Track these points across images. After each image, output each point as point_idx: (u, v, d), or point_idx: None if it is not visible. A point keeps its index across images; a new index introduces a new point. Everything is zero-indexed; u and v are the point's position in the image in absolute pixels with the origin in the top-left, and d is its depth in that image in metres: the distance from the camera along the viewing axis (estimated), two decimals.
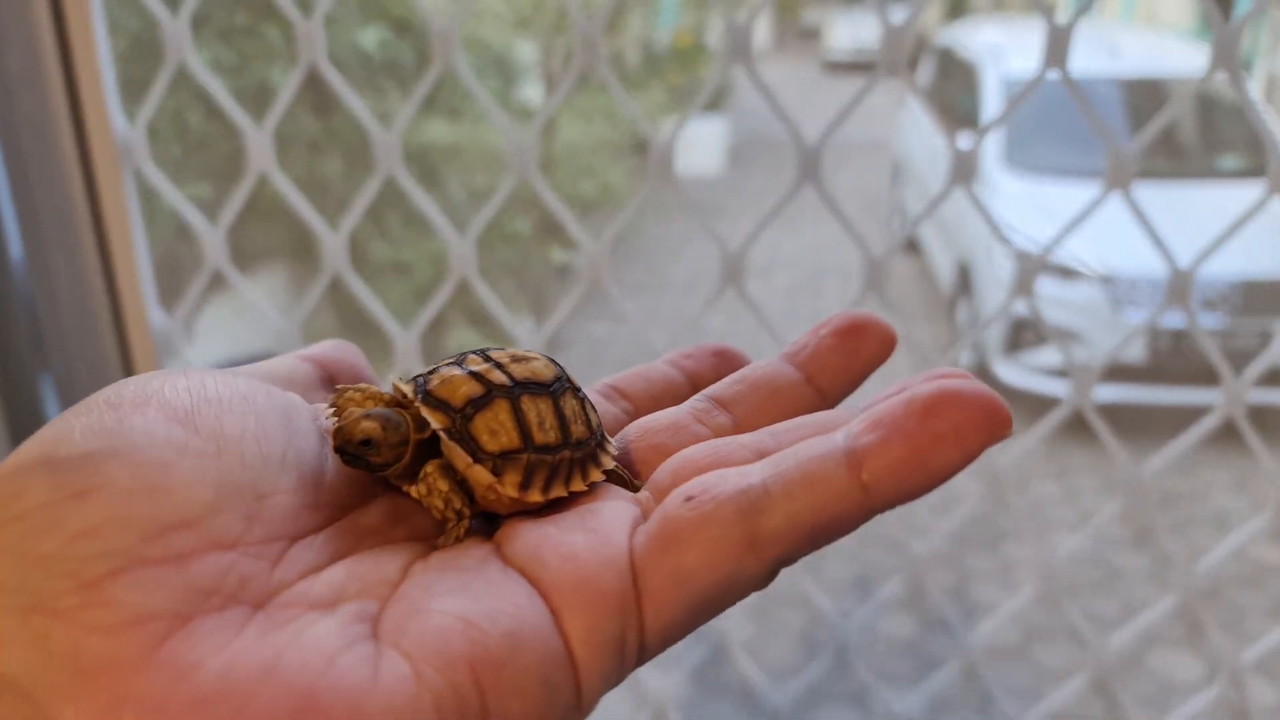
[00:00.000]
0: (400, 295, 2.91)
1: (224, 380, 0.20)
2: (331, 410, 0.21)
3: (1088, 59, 3.03)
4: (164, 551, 0.16)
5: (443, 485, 0.20)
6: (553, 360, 0.22)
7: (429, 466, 0.20)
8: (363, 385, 0.22)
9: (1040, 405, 2.35)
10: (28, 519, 0.16)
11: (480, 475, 0.20)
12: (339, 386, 0.22)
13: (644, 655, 0.18)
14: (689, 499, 0.18)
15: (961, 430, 0.17)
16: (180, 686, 0.15)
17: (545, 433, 0.21)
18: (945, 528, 0.73)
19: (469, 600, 0.17)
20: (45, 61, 0.67)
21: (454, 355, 0.22)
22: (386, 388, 0.22)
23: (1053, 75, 0.57)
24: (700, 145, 4.94)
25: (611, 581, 0.18)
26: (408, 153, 0.70)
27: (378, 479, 0.21)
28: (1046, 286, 2.63)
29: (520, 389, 0.21)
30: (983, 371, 2.83)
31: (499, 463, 0.20)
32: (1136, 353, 2.56)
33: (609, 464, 0.22)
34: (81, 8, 0.65)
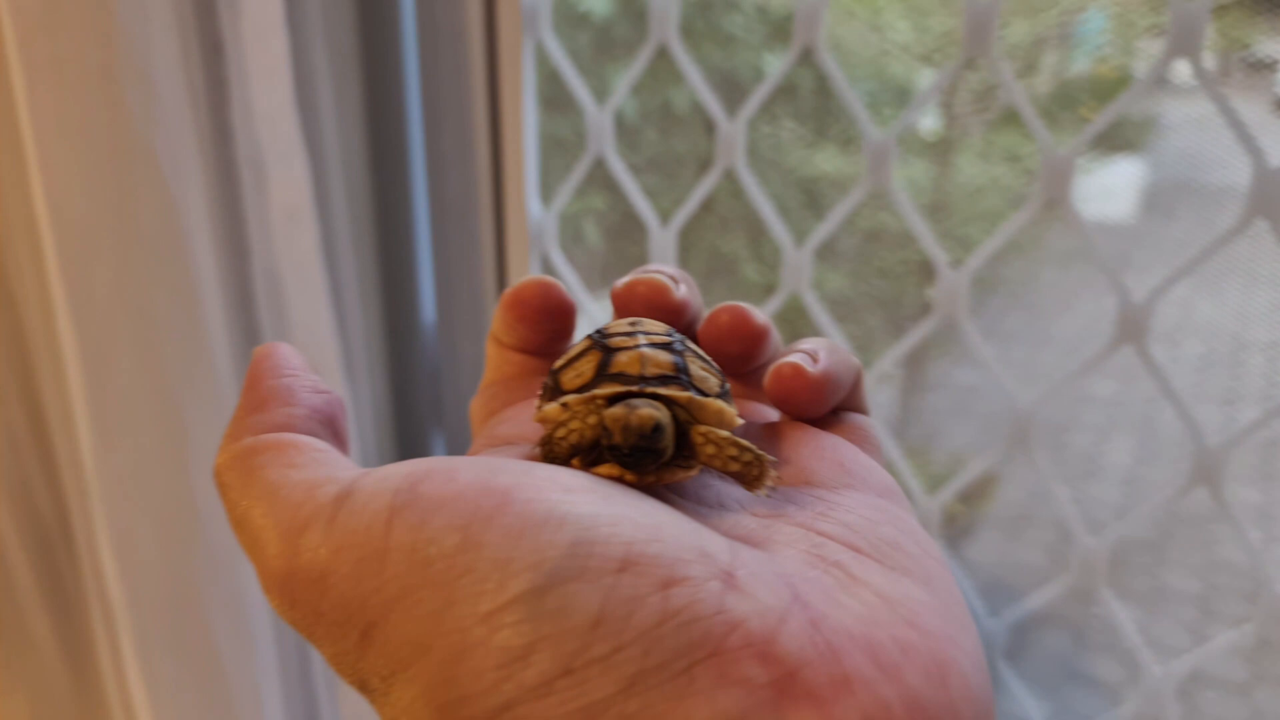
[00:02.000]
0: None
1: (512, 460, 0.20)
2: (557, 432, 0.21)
3: None
4: (720, 566, 0.16)
5: (727, 435, 0.20)
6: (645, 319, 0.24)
7: (705, 430, 0.20)
8: (559, 405, 0.21)
9: None
10: (608, 612, 0.15)
11: (731, 415, 0.21)
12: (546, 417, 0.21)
13: None
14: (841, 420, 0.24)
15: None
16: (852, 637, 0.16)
17: (714, 365, 0.22)
18: None
19: (900, 532, 0.19)
20: (477, 145, 0.71)
21: (579, 345, 0.22)
22: None
23: None
24: (1111, 188, 4.47)
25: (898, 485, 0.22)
26: (795, 179, 0.66)
27: (647, 472, 0.20)
28: None
29: (674, 339, 0.22)
30: None
31: (726, 399, 0.22)
32: None
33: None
34: (515, 96, 0.68)
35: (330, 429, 0.20)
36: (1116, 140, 0.61)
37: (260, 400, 0.20)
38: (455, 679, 0.15)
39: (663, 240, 0.69)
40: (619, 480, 0.20)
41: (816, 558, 0.18)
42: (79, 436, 0.54)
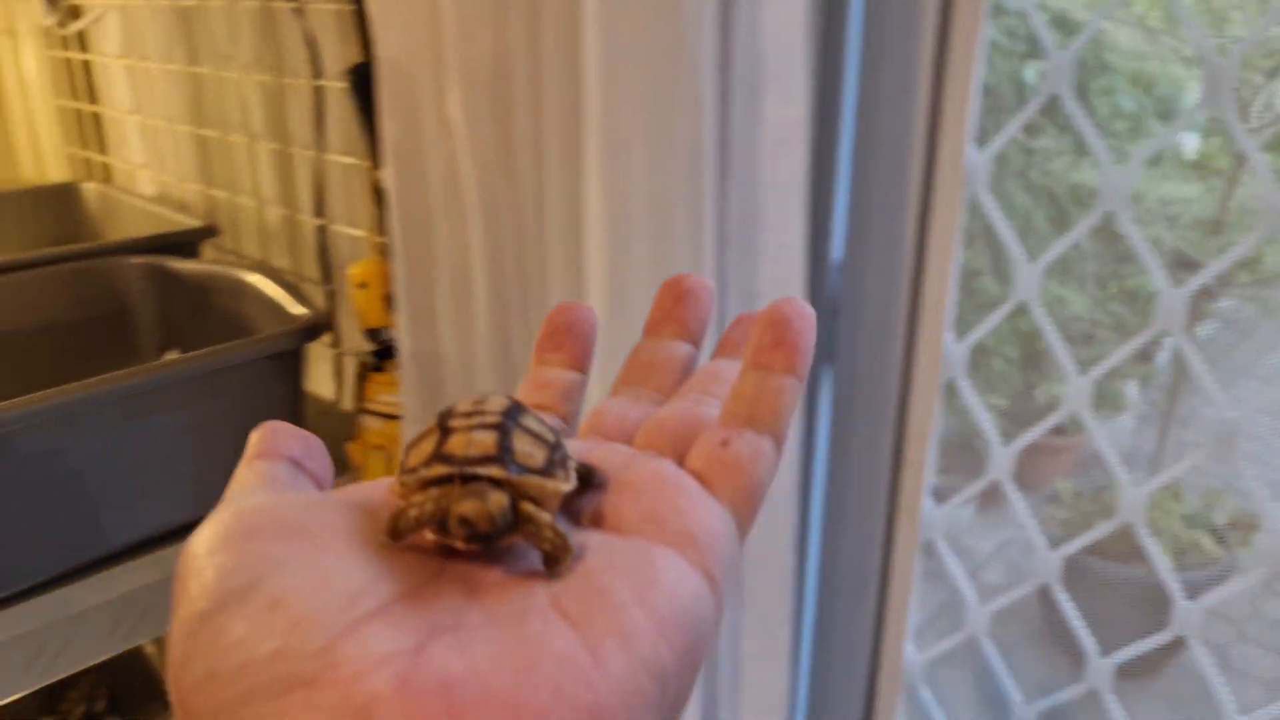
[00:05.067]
0: (1001, 331, 2.86)
1: (305, 497, 0.24)
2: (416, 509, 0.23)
3: None
4: (360, 614, 0.20)
5: (548, 518, 0.22)
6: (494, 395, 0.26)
7: (527, 508, 0.22)
8: (404, 478, 0.23)
9: None
10: (243, 640, 0.19)
11: (556, 487, 0.23)
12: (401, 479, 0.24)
13: None
14: (725, 443, 0.26)
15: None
16: (440, 687, 0.18)
17: (548, 437, 0.24)
18: None
19: (631, 582, 0.21)
20: (917, 87, 0.71)
21: (430, 425, 0.24)
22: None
23: None
24: None
25: (725, 525, 0.24)
26: (1050, 191, 0.63)
27: (487, 548, 0.23)
28: None
29: (507, 418, 0.24)
30: None
31: (551, 472, 0.24)
32: None
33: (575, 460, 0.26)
34: (967, 42, 0.68)
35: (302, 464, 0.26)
36: None
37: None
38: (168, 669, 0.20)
39: None
40: (452, 549, 0.23)
41: (503, 609, 0.21)
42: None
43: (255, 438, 0.26)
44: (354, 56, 0.85)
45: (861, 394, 0.79)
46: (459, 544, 0.22)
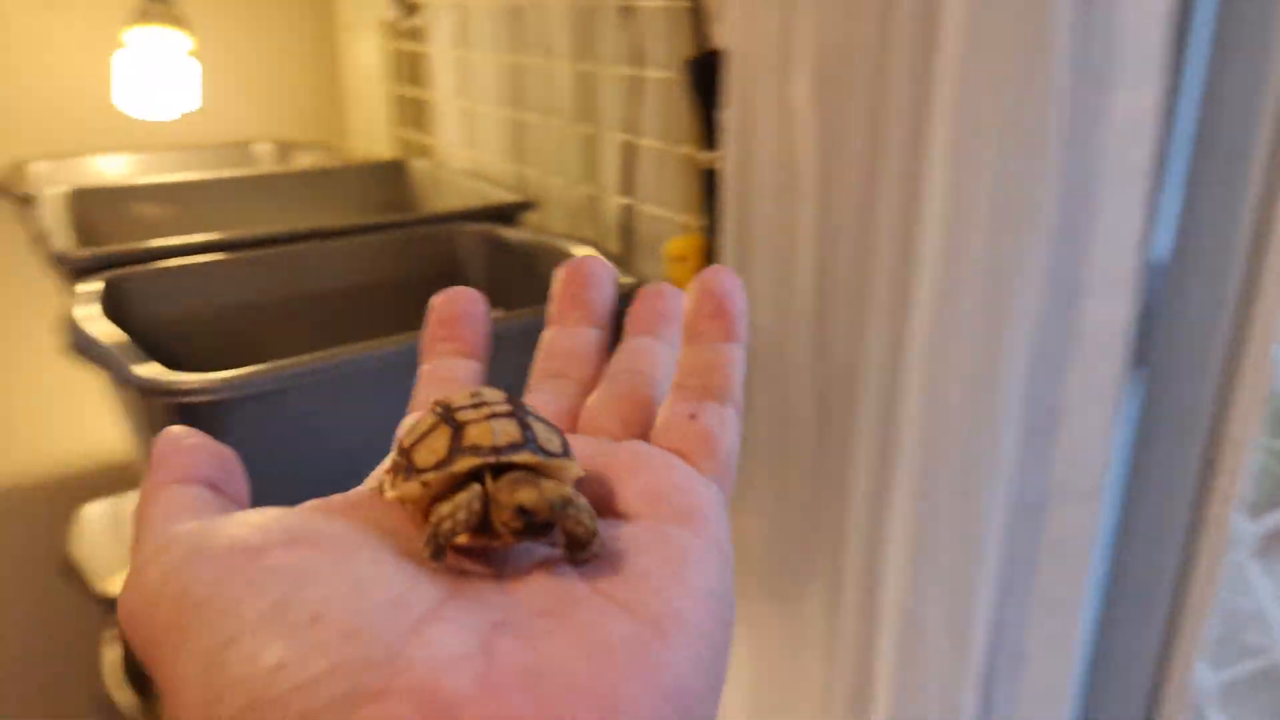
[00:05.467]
0: None
1: (286, 511, 0.22)
2: (458, 510, 0.21)
3: None
4: (416, 617, 0.18)
5: (586, 501, 0.22)
6: (484, 387, 0.25)
7: (568, 492, 0.21)
8: (423, 480, 0.22)
9: None
10: (287, 661, 0.17)
11: (577, 471, 0.23)
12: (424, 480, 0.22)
13: None
14: (693, 416, 0.26)
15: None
16: (520, 688, 0.17)
17: (554, 423, 0.24)
18: None
19: (665, 562, 0.21)
20: (1269, 84, 0.68)
21: (427, 422, 0.23)
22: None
23: None
24: None
25: (718, 496, 0.25)
26: None
27: (538, 536, 0.22)
28: None
29: (516, 405, 0.23)
30: None
31: (569, 455, 0.23)
32: None
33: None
34: None
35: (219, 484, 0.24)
36: None
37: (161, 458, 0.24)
38: (176, 710, 0.18)
39: None
40: (483, 548, 0.22)
41: (546, 601, 0.20)
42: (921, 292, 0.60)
43: (159, 455, 0.23)
44: (679, 49, 0.92)
45: (1174, 400, 0.77)
46: (507, 539, 0.21)
